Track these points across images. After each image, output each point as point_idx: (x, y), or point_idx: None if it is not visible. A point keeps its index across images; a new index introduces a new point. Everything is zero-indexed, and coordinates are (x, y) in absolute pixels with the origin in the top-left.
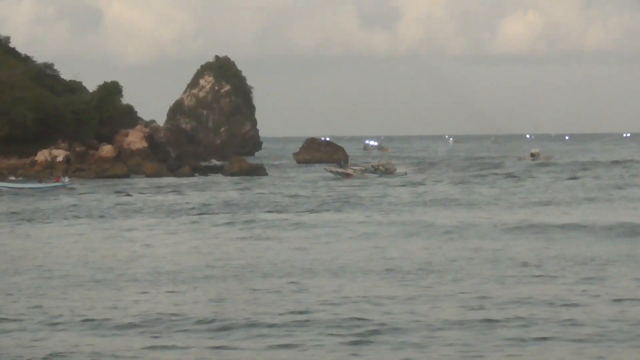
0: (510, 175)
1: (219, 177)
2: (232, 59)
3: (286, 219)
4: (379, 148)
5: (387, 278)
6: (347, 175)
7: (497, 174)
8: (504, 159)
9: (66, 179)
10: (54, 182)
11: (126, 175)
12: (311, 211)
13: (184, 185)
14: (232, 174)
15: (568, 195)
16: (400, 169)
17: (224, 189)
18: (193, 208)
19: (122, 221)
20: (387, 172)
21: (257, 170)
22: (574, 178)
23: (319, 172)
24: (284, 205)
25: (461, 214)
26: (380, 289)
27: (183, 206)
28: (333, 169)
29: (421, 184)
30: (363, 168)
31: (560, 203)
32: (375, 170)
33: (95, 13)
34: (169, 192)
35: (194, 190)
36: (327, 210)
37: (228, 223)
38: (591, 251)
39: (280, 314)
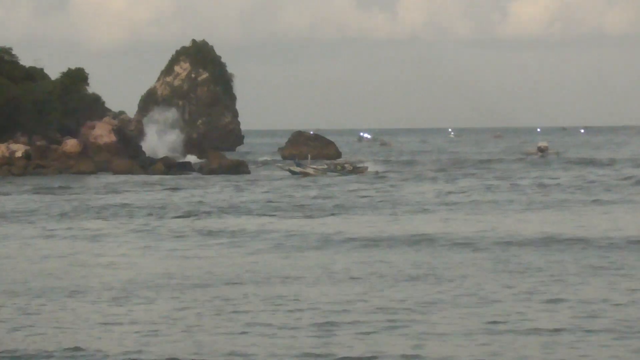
0: (496, 176)
1: (195, 176)
2: (213, 42)
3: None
4: (382, 143)
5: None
6: (306, 175)
7: (472, 174)
8: (505, 154)
9: None
10: None
11: (93, 173)
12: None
13: (143, 185)
14: (211, 172)
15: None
16: (371, 168)
17: (197, 187)
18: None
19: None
20: (356, 171)
21: (239, 168)
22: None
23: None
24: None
25: (380, 222)
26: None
27: (130, 210)
28: (291, 167)
29: (386, 184)
30: (325, 167)
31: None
32: (341, 169)
33: None
34: (123, 192)
35: (151, 191)
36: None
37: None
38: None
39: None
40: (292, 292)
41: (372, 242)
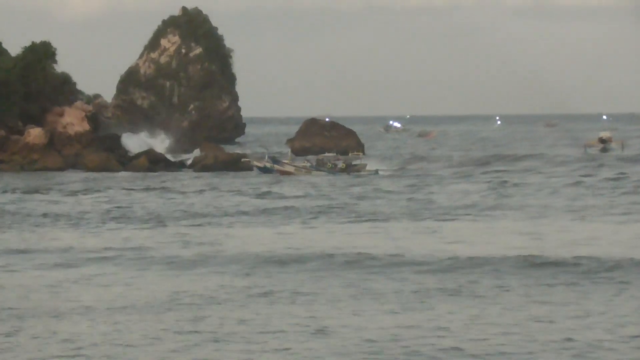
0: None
1: (185, 173)
2: (208, 10)
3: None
4: (421, 134)
5: None
6: (285, 173)
7: (498, 171)
8: (551, 148)
9: None
10: None
11: (61, 169)
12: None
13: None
14: (205, 168)
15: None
16: (370, 166)
17: (184, 189)
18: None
19: None
20: (350, 169)
21: (239, 163)
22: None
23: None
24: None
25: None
26: None
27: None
28: (261, 163)
29: (377, 186)
30: (308, 164)
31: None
32: (332, 166)
33: None
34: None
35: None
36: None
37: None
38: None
39: None
40: None
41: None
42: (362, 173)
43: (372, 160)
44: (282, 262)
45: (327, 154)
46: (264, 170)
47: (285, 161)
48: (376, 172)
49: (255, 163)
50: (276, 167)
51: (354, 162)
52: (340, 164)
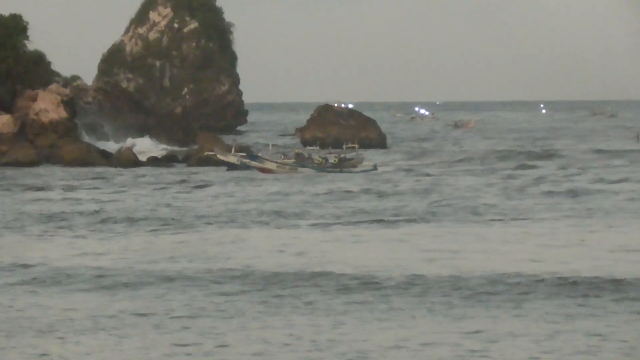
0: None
1: (178, 169)
2: None
3: None
4: (457, 124)
5: None
6: (266, 171)
7: (519, 167)
8: (604, 140)
9: None
10: None
11: (34, 164)
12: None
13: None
14: (200, 162)
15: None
16: (367, 161)
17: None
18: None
19: None
20: (343, 164)
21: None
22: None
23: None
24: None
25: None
26: None
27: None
28: (243, 159)
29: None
30: (291, 160)
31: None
32: (322, 162)
33: None
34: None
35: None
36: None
37: None
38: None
39: None
40: None
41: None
42: (357, 169)
43: (390, 155)
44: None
45: (308, 147)
46: (233, 166)
47: (267, 160)
48: (374, 167)
49: (222, 157)
50: (254, 163)
51: (347, 157)
52: (332, 159)
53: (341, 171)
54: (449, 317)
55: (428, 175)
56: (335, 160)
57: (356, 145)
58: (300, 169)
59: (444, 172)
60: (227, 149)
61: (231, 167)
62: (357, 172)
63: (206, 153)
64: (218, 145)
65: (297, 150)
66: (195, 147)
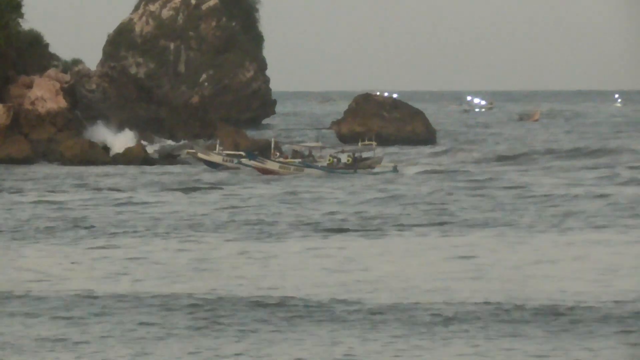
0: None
1: (193, 167)
2: None
3: None
4: (522, 117)
5: None
6: (267, 172)
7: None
8: None
9: None
10: None
11: (30, 161)
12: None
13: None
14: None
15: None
16: (386, 161)
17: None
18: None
19: None
20: (358, 164)
21: (266, 154)
22: None
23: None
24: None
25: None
26: None
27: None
28: (243, 161)
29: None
30: (297, 160)
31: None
32: (333, 161)
33: None
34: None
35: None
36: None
37: None
38: None
39: None
40: None
41: None
42: (374, 170)
43: (434, 155)
44: None
45: (307, 144)
46: (214, 165)
47: (267, 160)
48: (394, 169)
49: (203, 156)
50: (254, 163)
51: (363, 156)
52: (345, 158)
53: (355, 172)
54: None
55: (471, 180)
56: (348, 160)
57: (374, 143)
58: (307, 170)
59: (493, 176)
60: (256, 146)
61: (212, 166)
62: (373, 173)
63: (187, 151)
64: (242, 139)
65: (294, 147)
66: (214, 140)
